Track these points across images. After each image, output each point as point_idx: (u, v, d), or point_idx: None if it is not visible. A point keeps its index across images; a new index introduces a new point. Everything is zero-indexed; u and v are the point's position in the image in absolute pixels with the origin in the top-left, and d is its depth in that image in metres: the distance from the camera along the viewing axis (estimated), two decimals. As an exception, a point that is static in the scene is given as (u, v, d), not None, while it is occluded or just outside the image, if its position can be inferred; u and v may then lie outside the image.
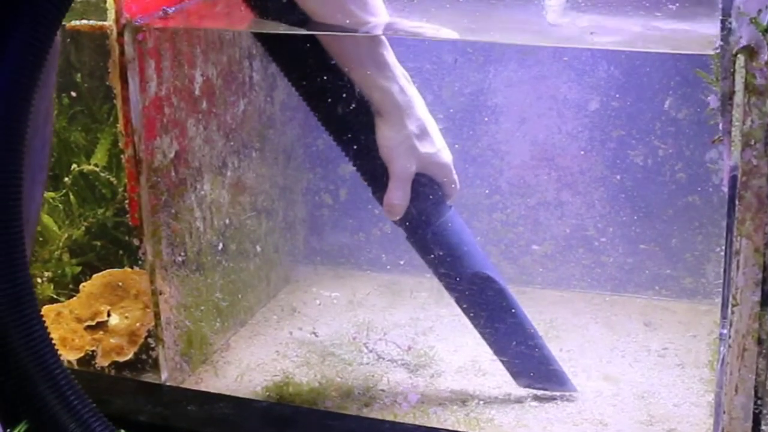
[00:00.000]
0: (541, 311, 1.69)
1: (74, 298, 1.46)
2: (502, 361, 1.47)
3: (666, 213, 1.71)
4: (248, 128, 1.66)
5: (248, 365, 1.58)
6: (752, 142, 1.02)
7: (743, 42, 1.01)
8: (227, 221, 1.62)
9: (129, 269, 1.45)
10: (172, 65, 1.44)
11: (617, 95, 1.67)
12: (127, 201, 1.42)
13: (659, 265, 1.73)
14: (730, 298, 1.07)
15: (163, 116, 1.43)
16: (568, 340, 1.62)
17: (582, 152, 1.71)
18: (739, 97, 1.03)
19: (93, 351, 1.45)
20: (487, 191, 1.77)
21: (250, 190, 1.69)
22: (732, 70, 1.03)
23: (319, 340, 1.65)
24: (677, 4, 1.28)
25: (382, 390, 1.49)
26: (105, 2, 1.34)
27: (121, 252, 1.45)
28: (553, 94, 1.69)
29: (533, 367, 1.46)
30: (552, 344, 1.58)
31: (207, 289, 1.58)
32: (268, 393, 1.48)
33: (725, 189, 1.08)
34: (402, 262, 1.80)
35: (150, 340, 1.46)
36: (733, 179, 1.05)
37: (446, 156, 1.42)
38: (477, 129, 1.75)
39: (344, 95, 1.36)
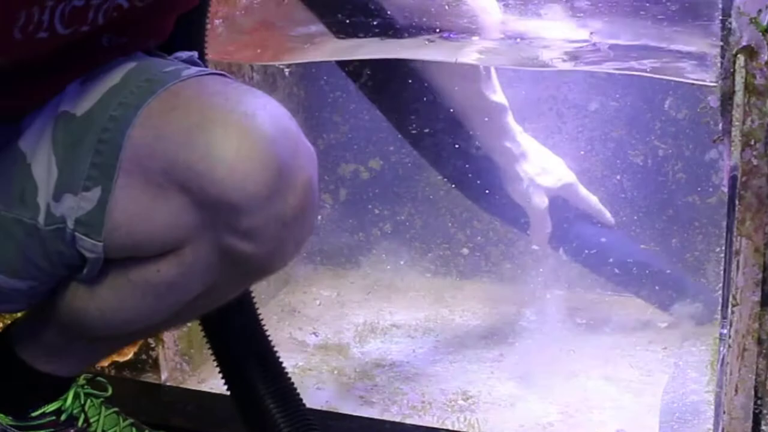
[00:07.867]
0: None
1: (74, 298, 1.46)
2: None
3: (666, 213, 1.70)
4: (248, 128, 1.66)
5: (248, 365, 1.58)
6: (752, 142, 1.02)
7: (743, 42, 1.02)
8: (227, 221, 1.61)
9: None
10: (172, 65, 1.43)
11: (617, 95, 1.67)
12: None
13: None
14: (730, 298, 1.07)
15: (163, 116, 1.42)
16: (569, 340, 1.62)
17: (582, 152, 1.70)
18: (739, 97, 1.03)
19: (93, 351, 1.45)
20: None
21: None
22: (732, 70, 1.03)
23: (319, 340, 1.65)
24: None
25: (383, 390, 1.49)
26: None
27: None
28: (553, 94, 1.69)
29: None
30: (552, 344, 1.58)
31: (207, 289, 1.57)
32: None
33: (725, 189, 1.08)
34: (402, 262, 1.80)
35: (150, 340, 1.46)
36: (733, 179, 1.05)
37: (567, 177, 1.58)
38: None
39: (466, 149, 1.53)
